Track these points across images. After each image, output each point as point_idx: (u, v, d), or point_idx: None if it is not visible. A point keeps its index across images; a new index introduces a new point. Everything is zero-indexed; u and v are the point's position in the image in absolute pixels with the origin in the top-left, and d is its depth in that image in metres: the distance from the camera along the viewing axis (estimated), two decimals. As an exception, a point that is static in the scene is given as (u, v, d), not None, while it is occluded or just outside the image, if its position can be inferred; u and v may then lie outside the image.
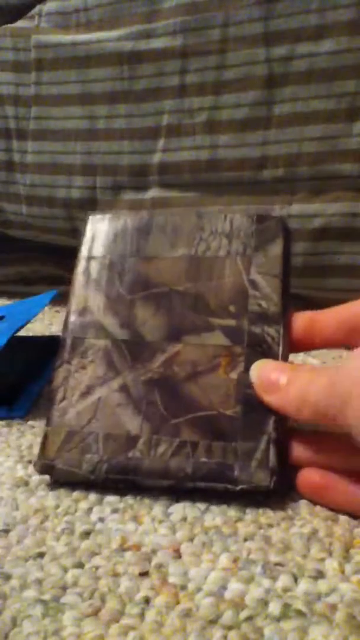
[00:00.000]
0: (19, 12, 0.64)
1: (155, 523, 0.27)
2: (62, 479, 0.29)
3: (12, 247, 0.72)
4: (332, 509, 0.27)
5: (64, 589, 0.23)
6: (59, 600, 0.22)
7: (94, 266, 0.35)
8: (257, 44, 0.52)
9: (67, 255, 0.41)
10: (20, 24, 0.64)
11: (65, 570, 0.24)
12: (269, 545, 0.25)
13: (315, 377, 0.27)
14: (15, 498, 0.29)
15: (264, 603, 0.22)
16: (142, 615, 0.21)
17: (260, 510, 0.27)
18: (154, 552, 0.25)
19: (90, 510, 0.28)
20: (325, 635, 0.20)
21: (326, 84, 0.50)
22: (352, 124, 0.50)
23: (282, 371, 0.28)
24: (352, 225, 0.51)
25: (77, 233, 0.51)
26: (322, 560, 0.24)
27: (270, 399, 0.28)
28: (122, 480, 0.29)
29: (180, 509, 0.28)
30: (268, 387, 0.28)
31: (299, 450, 0.28)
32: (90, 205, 0.62)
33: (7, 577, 0.23)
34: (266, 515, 0.27)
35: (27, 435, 0.36)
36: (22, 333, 0.44)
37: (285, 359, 0.30)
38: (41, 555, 0.25)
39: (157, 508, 0.28)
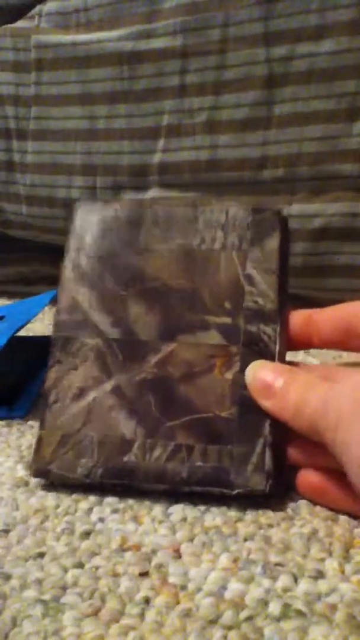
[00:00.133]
0: (19, 12, 0.64)
1: (155, 523, 0.27)
2: (57, 482, 0.29)
3: (12, 247, 0.72)
4: (332, 509, 0.27)
5: (64, 589, 0.23)
6: (59, 600, 0.22)
7: (84, 259, 0.33)
8: (257, 44, 0.52)
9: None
10: (20, 24, 0.64)
11: (65, 570, 0.24)
12: (269, 545, 0.25)
13: (314, 384, 0.26)
14: (16, 498, 0.29)
15: (264, 603, 0.22)
16: (142, 615, 0.21)
17: (261, 511, 0.27)
18: (154, 552, 0.25)
19: (90, 510, 0.28)
20: (325, 635, 0.20)
21: (326, 84, 0.50)
22: (352, 124, 0.50)
23: (278, 374, 0.28)
24: (352, 225, 0.51)
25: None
26: (322, 560, 0.24)
27: (267, 403, 0.28)
28: (118, 484, 0.28)
29: (180, 509, 0.28)
30: (264, 390, 0.28)
31: (296, 451, 0.28)
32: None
33: (7, 577, 0.23)
34: (266, 516, 0.27)
35: (27, 435, 0.36)
36: (22, 333, 0.44)
37: (282, 358, 0.30)
38: (41, 555, 0.25)
39: (157, 508, 0.28)
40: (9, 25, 0.64)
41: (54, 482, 0.29)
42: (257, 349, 0.30)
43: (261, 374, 0.28)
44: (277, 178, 0.53)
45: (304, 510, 0.27)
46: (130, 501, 0.28)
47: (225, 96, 0.54)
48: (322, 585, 0.23)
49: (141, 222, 0.33)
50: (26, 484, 0.30)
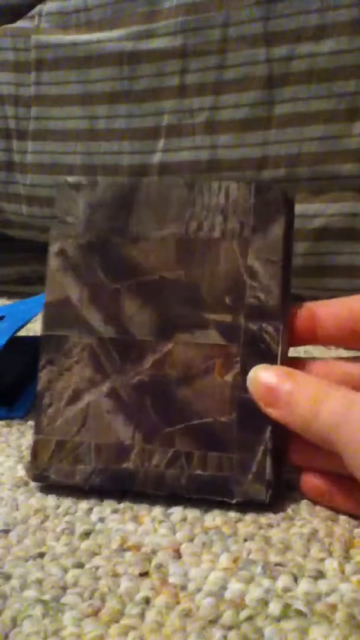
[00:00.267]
0: (19, 12, 0.64)
1: (155, 523, 0.27)
2: (56, 487, 0.29)
3: (12, 247, 0.72)
4: (332, 509, 0.27)
5: (64, 589, 0.23)
6: (59, 600, 0.22)
7: (70, 248, 0.30)
8: (257, 44, 0.52)
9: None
10: (20, 24, 0.64)
11: (65, 570, 0.24)
12: (269, 545, 0.25)
13: (326, 393, 0.25)
14: (16, 498, 0.29)
15: (264, 603, 0.22)
16: (142, 616, 0.21)
17: (261, 511, 0.27)
18: (154, 552, 0.25)
19: (90, 510, 0.28)
20: (325, 635, 0.20)
21: (326, 84, 0.50)
22: (352, 124, 0.50)
23: (284, 379, 0.26)
24: (352, 225, 0.51)
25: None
26: (322, 560, 0.24)
27: (272, 412, 0.26)
28: (117, 490, 0.28)
29: (180, 510, 0.28)
30: (269, 398, 0.27)
31: (298, 453, 0.28)
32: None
33: (7, 577, 0.23)
34: (266, 516, 0.27)
35: (27, 435, 0.35)
36: (22, 333, 0.44)
37: (284, 358, 0.28)
38: (41, 555, 0.25)
39: (157, 508, 0.28)
40: (9, 25, 0.64)
41: (53, 486, 0.29)
42: (258, 349, 0.28)
43: (265, 380, 0.27)
44: (277, 178, 0.53)
45: (304, 510, 0.27)
46: (131, 501, 0.28)
47: (225, 96, 0.54)
48: (322, 585, 0.23)
49: (131, 204, 0.30)
50: (26, 484, 0.30)
